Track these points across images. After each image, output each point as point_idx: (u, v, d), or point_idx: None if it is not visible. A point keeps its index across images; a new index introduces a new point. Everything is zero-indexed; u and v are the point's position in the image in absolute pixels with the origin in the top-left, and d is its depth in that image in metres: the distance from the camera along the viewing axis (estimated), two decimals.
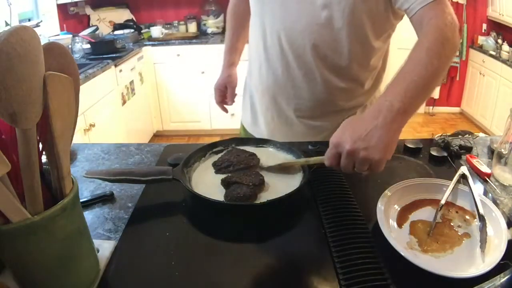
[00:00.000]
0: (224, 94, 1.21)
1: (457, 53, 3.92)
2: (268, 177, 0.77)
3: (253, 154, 0.83)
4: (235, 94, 1.22)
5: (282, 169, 0.80)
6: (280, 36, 0.93)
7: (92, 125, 2.37)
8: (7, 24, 2.41)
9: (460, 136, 0.98)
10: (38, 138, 0.46)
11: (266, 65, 1.00)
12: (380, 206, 0.66)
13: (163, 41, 3.40)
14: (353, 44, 0.89)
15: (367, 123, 0.62)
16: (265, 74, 1.02)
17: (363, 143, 0.61)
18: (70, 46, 2.84)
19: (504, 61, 3.29)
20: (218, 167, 0.80)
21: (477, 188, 0.76)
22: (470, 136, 0.98)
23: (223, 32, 3.65)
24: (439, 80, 0.70)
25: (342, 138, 0.63)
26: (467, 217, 0.68)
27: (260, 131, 1.13)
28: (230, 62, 1.21)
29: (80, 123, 2.24)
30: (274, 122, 1.08)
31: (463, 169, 0.78)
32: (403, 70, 0.69)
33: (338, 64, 0.93)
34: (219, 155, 0.85)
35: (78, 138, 2.18)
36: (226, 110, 1.24)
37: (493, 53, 3.51)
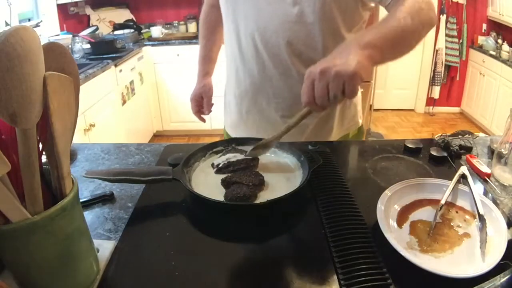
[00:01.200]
0: (201, 104, 1.23)
1: (458, 54, 3.92)
2: (268, 177, 0.77)
3: None
4: (212, 104, 1.23)
5: (265, 149, 0.81)
6: (254, 36, 0.94)
7: (92, 125, 2.37)
8: (7, 24, 2.41)
9: (460, 136, 0.98)
10: (38, 138, 0.46)
11: (242, 67, 1.01)
12: (380, 206, 0.66)
13: (163, 41, 3.40)
14: (326, 38, 0.91)
15: (338, 51, 0.64)
16: (242, 77, 1.03)
17: (334, 61, 0.61)
18: (70, 46, 2.84)
19: (504, 61, 3.29)
20: (218, 168, 0.81)
21: (477, 188, 0.76)
22: (470, 136, 0.98)
23: None
24: (408, 42, 0.73)
25: (315, 66, 0.63)
26: (467, 217, 0.68)
27: (240, 135, 1.13)
28: (204, 72, 1.23)
29: (80, 123, 2.24)
30: (255, 124, 1.09)
31: (463, 169, 0.78)
32: (375, 25, 0.71)
33: (313, 59, 0.93)
34: (219, 155, 0.85)
35: (78, 138, 2.18)
36: (203, 120, 1.26)
37: (493, 53, 3.51)
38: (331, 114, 1.06)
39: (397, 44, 0.70)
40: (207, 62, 1.23)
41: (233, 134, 1.18)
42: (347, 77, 0.59)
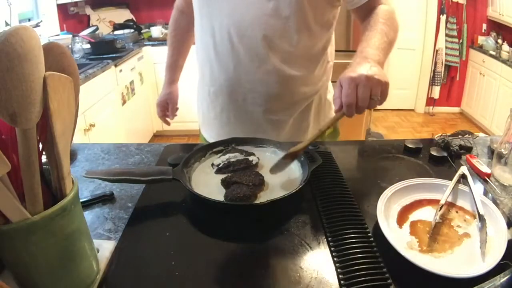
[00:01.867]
0: (166, 109, 1.31)
1: (458, 54, 3.92)
2: (268, 177, 0.77)
3: (252, 154, 0.83)
4: (177, 109, 1.34)
5: (286, 164, 0.78)
6: (229, 31, 0.94)
7: (92, 125, 2.37)
8: (7, 24, 2.41)
9: (460, 136, 0.98)
10: (38, 138, 0.46)
11: (217, 64, 1.01)
12: (380, 206, 0.66)
13: (163, 41, 3.39)
14: (300, 31, 0.93)
15: (363, 63, 0.72)
16: (217, 74, 1.02)
17: (373, 70, 0.70)
18: (70, 46, 2.84)
19: (504, 61, 3.29)
20: (218, 168, 0.81)
21: (477, 188, 0.76)
22: (470, 136, 0.98)
23: None
24: (392, 48, 0.86)
25: (356, 72, 0.70)
26: (467, 217, 0.68)
27: (215, 135, 1.12)
28: (171, 79, 1.31)
29: (80, 123, 2.24)
30: (230, 123, 1.08)
31: (463, 169, 0.78)
32: (369, 37, 0.82)
33: (288, 52, 0.96)
34: (219, 155, 0.85)
35: (78, 138, 2.18)
36: (168, 123, 1.34)
37: (493, 53, 3.51)
38: (307, 112, 1.08)
39: (387, 55, 0.83)
40: (174, 70, 1.30)
41: (207, 134, 1.17)
42: (385, 84, 0.70)
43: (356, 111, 0.71)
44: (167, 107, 1.31)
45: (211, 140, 1.14)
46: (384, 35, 0.82)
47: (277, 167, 0.77)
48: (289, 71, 0.98)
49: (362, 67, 0.71)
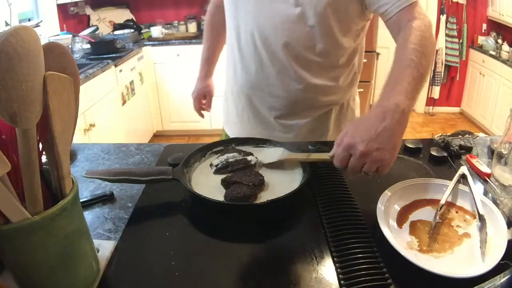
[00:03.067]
0: (202, 102, 1.33)
1: (458, 54, 3.92)
2: (268, 177, 0.77)
3: (251, 154, 0.83)
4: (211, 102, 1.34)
5: (281, 165, 0.80)
6: (253, 34, 0.94)
7: (92, 125, 2.37)
8: (7, 24, 2.41)
9: (460, 136, 0.97)
10: (38, 138, 0.46)
11: (240, 65, 1.02)
12: (380, 206, 0.66)
13: (163, 41, 3.40)
14: (324, 41, 0.92)
15: (375, 125, 0.63)
16: (240, 74, 1.04)
17: (375, 144, 0.61)
18: (70, 46, 2.84)
19: (504, 61, 3.29)
20: (216, 168, 0.80)
21: (477, 188, 0.76)
22: (470, 136, 0.98)
23: None
24: (427, 77, 0.75)
25: (354, 139, 0.63)
26: (467, 217, 0.68)
27: (237, 133, 1.14)
28: (208, 73, 1.30)
29: (80, 123, 2.24)
30: (250, 123, 1.09)
31: (463, 169, 0.78)
32: (395, 72, 0.71)
33: (311, 61, 0.95)
34: (219, 155, 0.85)
35: (78, 138, 2.18)
36: (203, 116, 1.35)
37: (493, 53, 3.51)
38: (326, 117, 1.07)
39: (419, 94, 0.70)
40: (209, 64, 1.29)
41: (231, 132, 1.18)
42: (384, 163, 0.63)
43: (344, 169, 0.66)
44: (202, 100, 1.32)
45: (231, 135, 1.16)
46: (415, 68, 0.69)
47: (272, 165, 0.80)
48: (311, 79, 0.97)
49: (369, 129, 0.62)
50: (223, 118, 1.24)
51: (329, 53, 0.95)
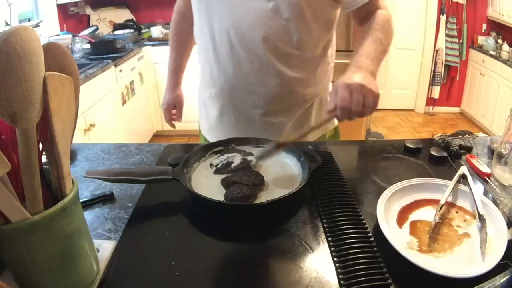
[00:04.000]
0: (173, 113, 1.32)
1: (458, 54, 3.92)
2: (268, 177, 0.77)
3: (251, 154, 0.83)
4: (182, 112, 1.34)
5: (272, 155, 0.81)
6: (229, 33, 0.93)
7: (92, 125, 2.37)
8: (7, 24, 2.41)
9: (460, 136, 0.98)
10: (38, 138, 0.46)
11: (216, 67, 1.00)
12: (380, 206, 0.66)
13: (163, 41, 3.40)
14: (300, 33, 0.93)
15: (357, 73, 0.76)
16: (217, 76, 1.02)
17: (366, 80, 0.73)
18: (70, 46, 2.84)
19: (504, 61, 3.29)
20: (216, 168, 0.80)
21: (477, 188, 0.76)
22: (470, 136, 0.98)
23: None
24: (387, 52, 0.89)
25: (351, 80, 0.73)
26: (467, 217, 0.68)
27: (215, 138, 1.11)
28: (176, 83, 1.32)
29: (80, 123, 2.24)
30: (231, 125, 1.08)
31: (463, 169, 0.78)
32: (365, 46, 0.84)
33: (289, 54, 0.96)
34: (218, 155, 0.85)
35: (78, 138, 2.18)
36: (174, 126, 1.34)
37: (493, 53, 3.51)
38: (308, 114, 1.08)
39: (381, 61, 0.86)
40: (178, 74, 1.31)
41: (210, 137, 1.17)
42: (376, 95, 0.74)
43: (349, 115, 0.74)
44: (173, 110, 1.32)
45: (212, 141, 1.13)
46: (379, 43, 0.85)
47: (264, 155, 0.80)
48: (290, 73, 0.98)
49: (356, 76, 0.74)
50: (202, 125, 1.22)
51: (305, 44, 0.96)
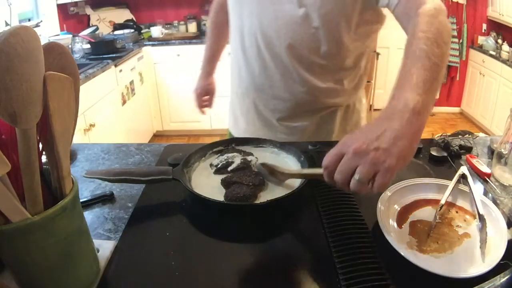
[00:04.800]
0: (204, 99, 1.33)
1: (458, 54, 3.92)
2: (268, 177, 0.76)
3: (251, 154, 0.83)
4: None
5: (273, 173, 0.76)
6: (256, 35, 0.93)
7: (92, 125, 2.37)
8: (7, 24, 2.41)
9: (460, 136, 0.97)
10: (38, 138, 0.46)
11: (244, 67, 1.01)
12: (380, 206, 0.66)
13: (163, 41, 3.40)
14: (329, 43, 0.89)
15: (381, 125, 0.53)
16: (244, 76, 1.03)
17: (374, 143, 0.51)
18: (70, 46, 2.84)
19: (504, 61, 3.28)
20: (216, 168, 0.80)
21: (477, 188, 0.76)
22: (470, 136, 0.98)
23: None
24: (444, 69, 0.63)
25: (351, 137, 0.54)
26: (467, 217, 0.68)
27: (242, 134, 1.13)
28: (211, 70, 1.30)
29: (80, 123, 2.24)
30: (255, 125, 1.09)
31: (463, 169, 0.78)
32: (405, 67, 0.61)
33: (315, 64, 0.93)
34: (218, 155, 0.85)
35: (78, 138, 2.18)
36: (204, 113, 1.35)
37: (493, 53, 3.51)
38: (331, 118, 1.05)
39: (436, 88, 0.60)
40: (212, 62, 1.29)
41: (236, 134, 1.18)
42: (383, 168, 0.50)
43: (331, 182, 0.55)
44: (205, 97, 1.32)
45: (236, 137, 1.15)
46: (426, 58, 0.60)
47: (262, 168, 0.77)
48: (315, 82, 0.95)
49: (371, 130, 0.53)
50: (230, 121, 1.22)
51: (334, 55, 0.92)
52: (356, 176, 0.51)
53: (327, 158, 0.55)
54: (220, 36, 1.24)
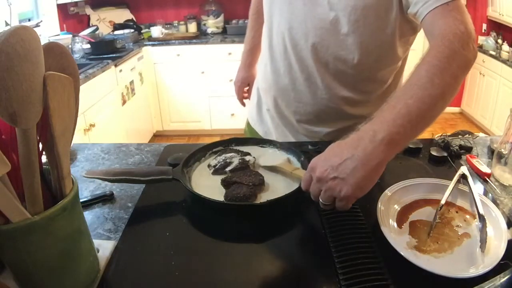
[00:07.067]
0: (245, 90, 1.32)
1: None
2: (268, 177, 0.76)
3: (248, 154, 0.83)
4: None
5: (274, 170, 0.80)
6: (284, 35, 0.91)
7: (92, 125, 2.37)
8: (7, 24, 2.41)
9: (460, 136, 0.97)
10: (38, 138, 0.46)
11: (270, 64, 1.00)
12: (380, 206, 0.66)
13: (163, 41, 3.40)
14: (359, 53, 0.85)
15: (344, 151, 0.57)
16: (269, 73, 1.01)
17: (333, 172, 0.56)
18: (70, 46, 2.84)
19: (504, 61, 3.28)
20: (214, 169, 0.80)
21: (477, 188, 0.76)
22: (470, 136, 0.98)
23: (223, 32, 3.65)
24: (443, 103, 0.60)
25: (317, 162, 0.60)
26: (467, 217, 0.68)
27: (264, 128, 1.13)
28: (252, 62, 1.28)
29: (80, 123, 2.24)
30: (275, 121, 1.09)
31: (463, 169, 0.78)
32: (397, 92, 0.61)
33: (341, 72, 0.90)
34: (217, 155, 0.85)
35: (78, 138, 2.18)
36: (244, 104, 1.33)
37: (493, 53, 3.51)
38: (354, 128, 1.01)
39: (423, 123, 0.59)
40: (254, 53, 1.27)
41: (255, 126, 1.17)
42: (339, 197, 0.57)
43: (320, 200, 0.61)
44: (245, 88, 1.32)
45: (260, 133, 1.15)
46: (421, 88, 0.58)
47: (269, 168, 0.80)
48: (340, 90, 0.93)
49: (336, 155, 0.57)
50: (248, 111, 1.22)
51: (361, 66, 0.88)
52: (320, 199, 0.60)
53: (303, 183, 0.63)
54: (262, 27, 1.19)
